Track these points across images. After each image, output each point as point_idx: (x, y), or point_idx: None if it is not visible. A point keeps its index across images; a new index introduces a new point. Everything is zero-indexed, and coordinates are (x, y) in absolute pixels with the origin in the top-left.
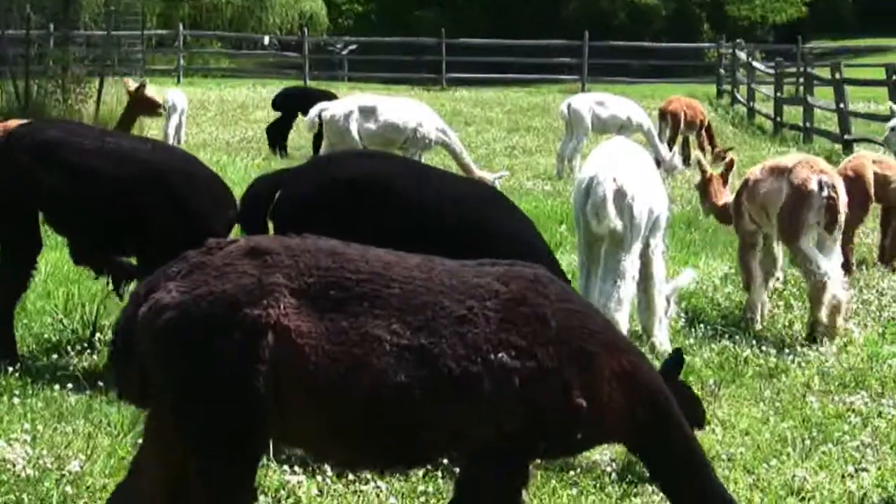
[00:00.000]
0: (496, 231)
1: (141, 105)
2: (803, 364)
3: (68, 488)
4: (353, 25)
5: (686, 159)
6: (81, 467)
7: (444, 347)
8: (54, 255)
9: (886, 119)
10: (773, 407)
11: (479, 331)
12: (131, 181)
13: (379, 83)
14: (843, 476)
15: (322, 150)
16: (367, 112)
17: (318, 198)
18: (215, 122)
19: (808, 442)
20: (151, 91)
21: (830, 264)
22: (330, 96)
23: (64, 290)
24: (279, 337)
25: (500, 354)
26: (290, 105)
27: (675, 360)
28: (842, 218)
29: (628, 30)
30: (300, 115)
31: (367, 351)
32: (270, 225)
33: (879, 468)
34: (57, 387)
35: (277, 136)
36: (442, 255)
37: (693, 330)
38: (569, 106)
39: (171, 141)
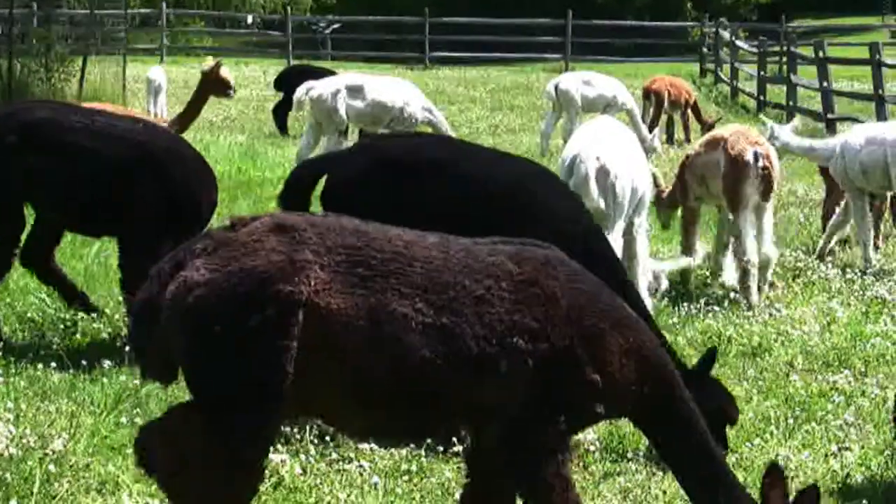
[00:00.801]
0: (544, 207)
1: (214, 85)
2: (787, 343)
3: (51, 467)
4: (337, 4)
5: (670, 138)
6: (65, 446)
7: (465, 327)
8: None
9: (870, 98)
10: (757, 386)
11: (495, 311)
12: (122, 160)
13: (362, 62)
14: (826, 455)
15: (305, 129)
16: (355, 91)
17: (367, 180)
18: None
19: (791, 421)
20: (225, 71)
21: (761, 229)
22: (330, 74)
23: None
24: (310, 313)
25: (514, 337)
26: (292, 84)
27: (709, 357)
28: (775, 187)
29: (611, 9)
30: None
31: (394, 329)
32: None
33: (863, 447)
34: (40, 366)
35: (283, 116)
36: (491, 231)
37: (676, 309)
38: (556, 86)
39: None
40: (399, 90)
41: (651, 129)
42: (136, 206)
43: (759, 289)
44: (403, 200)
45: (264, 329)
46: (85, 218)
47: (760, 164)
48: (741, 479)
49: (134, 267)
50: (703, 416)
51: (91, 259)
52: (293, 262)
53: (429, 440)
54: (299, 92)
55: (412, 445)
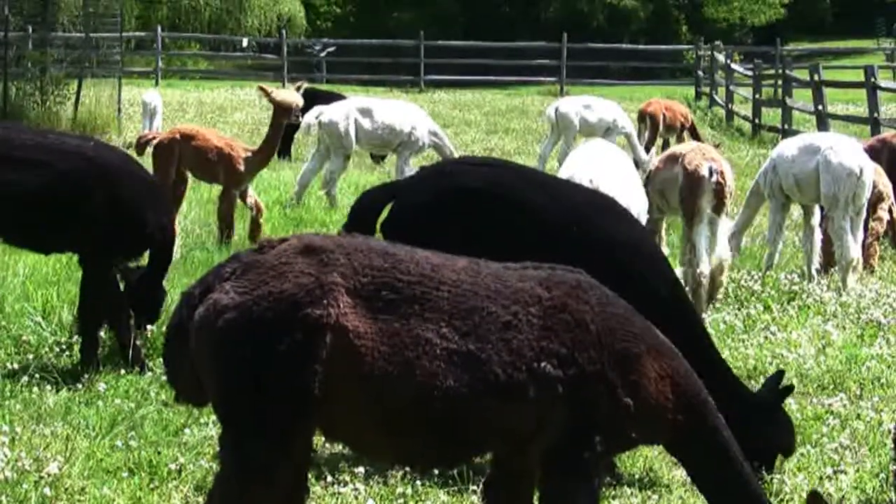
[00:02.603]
0: (613, 238)
1: (279, 111)
2: (781, 366)
3: (47, 490)
4: (332, 27)
5: None
6: (60, 469)
7: (491, 353)
8: (32, 257)
9: (865, 121)
10: None
11: (523, 337)
12: (73, 177)
13: (357, 85)
14: (821, 478)
15: (313, 153)
16: (364, 114)
17: (434, 207)
18: (194, 123)
19: None
20: (278, 93)
21: (715, 236)
22: (338, 98)
23: (43, 293)
24: (337, 336)
25: (542, 363)
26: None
27: (778, 382)
28: (728, 202)
29: (606, 32)
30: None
31: (419, 354)
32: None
33: (858, 470)
34: (35, 389)
35: (287, 140)
36: (559, 261)
37: None
38: (556, 110)
39: None
40: (407, 114)
41: (647, 152)
42: (88, 224)
43: (711, 298)
44: (470, 228)
45: (293, 352)
46: (38, 235)
47: (714, 179)
48: None
49: (87, 290)
50: (760, 442)
51: None
52: (322, 286)
53: (457, 466)
54: (309, 117)
55: (438, 471)
